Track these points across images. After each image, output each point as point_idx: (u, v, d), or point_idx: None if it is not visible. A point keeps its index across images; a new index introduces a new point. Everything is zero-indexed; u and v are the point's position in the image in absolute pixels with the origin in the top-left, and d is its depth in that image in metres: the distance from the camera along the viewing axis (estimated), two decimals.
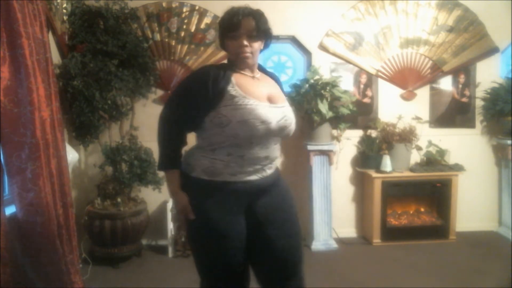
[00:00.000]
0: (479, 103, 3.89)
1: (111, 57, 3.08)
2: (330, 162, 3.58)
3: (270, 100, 1.58)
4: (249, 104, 1.49)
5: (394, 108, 3.83)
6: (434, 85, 3.92)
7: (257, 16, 1.57)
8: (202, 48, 3.65)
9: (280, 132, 1.58)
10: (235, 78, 1.55)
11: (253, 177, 1.58)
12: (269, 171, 1.63)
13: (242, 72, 1.60)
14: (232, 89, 1.51)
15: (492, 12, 3.81)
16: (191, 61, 3.65)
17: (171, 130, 1.59)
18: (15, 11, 2.08)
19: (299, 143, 3.59)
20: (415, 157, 3.82)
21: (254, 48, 1.56)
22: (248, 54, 1.55)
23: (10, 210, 2.24)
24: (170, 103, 1.62)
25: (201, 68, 1.63)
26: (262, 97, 1.56)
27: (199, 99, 1.51)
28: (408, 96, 3.87)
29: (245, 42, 1.54)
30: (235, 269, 1.62)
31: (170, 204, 3.44)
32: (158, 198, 3.62)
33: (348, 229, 3.88)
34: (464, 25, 3.81)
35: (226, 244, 1.57)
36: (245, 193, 1.58)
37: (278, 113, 1.56)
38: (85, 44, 3.09)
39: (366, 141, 3.77)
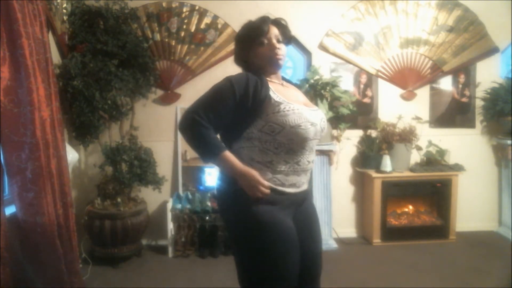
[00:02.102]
0: (479, 103, 3.89)
1: (111, 57, 3.08)
2: (330, 162, 3.57)
3: (305, 104, 1.60)
4: (296, 109, 1.48)
5: (394, 108, 3.83)
6: (434, 85, 3.93)
7: (282, 23, 1.62)
8: (202, 48, 3.65)
9: (321, 134, 1.60)
10: (270, 85, 1.55)
11: (305, 186, 1.60)
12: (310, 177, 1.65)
13: (271, 80, 1.59)
14: (275, 96, 1.49)
15: (492, 12, 3.81)
16: (191, 61, 3.65)
17: (204, 124, 1.42)
18: (15, 11, 2.08)
19: None
20: (415, 157, 3.82)
21: (284, 51, 1.60)
22: (281, 56, 1.57)
23: (10, 210, 2.24)
24: (203, 107, 1.44)
25: (240, 73, 1.53)
26: (299, 102, 1.57)
27: (234, 104, 1.45)
28: (408, 96, 3.88)
29: (277, 45, 1.56)
30: (294, 280, 1.54)
31: (170, 204, 3.44)
32: (158, 198, 3.62)
33: (348, 229, 3.88)
34: (464, 25, 3.81)
35: (294, 252, 1.50)
36: (297, 202, 1.58)
37: (317, 115, 1.58)
38: (85, 44, 3.09)
39: (366, 141, 3.77)
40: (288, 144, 1.48)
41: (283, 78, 1.72)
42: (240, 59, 1.65)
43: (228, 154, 1.45)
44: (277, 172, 1.49)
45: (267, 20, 1.58)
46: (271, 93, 1.49)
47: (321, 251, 1.70)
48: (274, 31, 1.58)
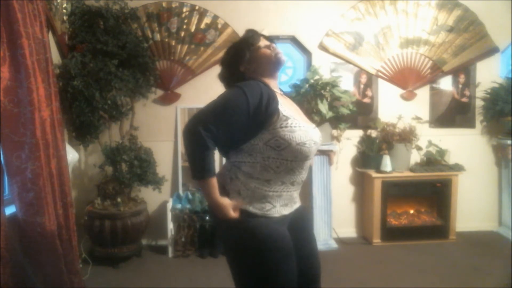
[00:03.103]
0: (479, 103, 3.89)
1: (111, 57, 3.08)
2: (330, 162, 3.58)
3: (306, 122, 1.57)
4: (302, 126, 1.46)
5: (394, 108, 3.83)
6: (434, 85, 3.93)
7: (267, 35, 1.66)
8: (202, 48, 3.65)
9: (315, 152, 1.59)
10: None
11: (297, 204, 1.60)
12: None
13: (275, 91, 1.56)
14: (283, 109, 1.45)
15: (492, 12, 3.82)
16: (191, 61, 3.65)
17: (208, 144, 1.39)
18: (15, 11, 2.08)
19: None
20: (415, 157, 3.82)
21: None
22: (281, 52, 1.59)
23: (10, 210, 2.24)
24: (211, 114, 1.40)
25: (252, 83, 1.48)
26: (302, 119, 1.55)
27: (247, 115, 1.40)
28: (408, 96, 3.88)
29: (274, 44, 1.60)
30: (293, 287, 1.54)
31: (170, 204, 3.44)
32: (158, 198, 3.62)
33: (348, 229, 3.88)
34: (464, 25, 3.81)
35: (291, 260, 1.50)
36: (290, 218, 1.57)
37: (317, 134, 1.56)
38: (85, 44, 3.09)
39: (366, 141, 3.77)
40: (291, 161, 1.46)
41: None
42: (235, 72, 1.58)
43: (213, 181, 1.43)
44: (271, 192, 1.48)
45: (255, 31, 1.61)
46: (279, 106, 1.46)
47: (318, 251, 1.68)
48: (264, 40, 1.61)
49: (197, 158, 1.42)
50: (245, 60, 1.56)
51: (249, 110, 1.40)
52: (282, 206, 1.51)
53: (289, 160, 1.45)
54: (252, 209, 1.47)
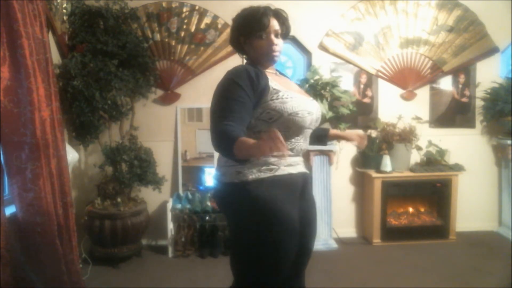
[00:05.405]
0: (479, 103, 3.89)
1: (111, 57, 3.08)
2: (330, 162, 3.57)
3: (300, 93, 1.60)
4: (294, 97, 1.49)
5: (394, 108, 3.83)
6: (434, 85, 3.93)
7: (283, 15, 1.60)
8: (202, 48, 3.65)
9: (316, 123, 1.61)
10: (268, 75, 1.55)
11: (302, 168, 1.60)
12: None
13: (267, 70, 1.60)
14: (273, 84, 1.50)
15: (492, 12, 3.82)
16: (191, 61, 3.65)
17: (235, 134, 1.32)
18: (15, 11, 2.09)
19: None
20: (415, 157, 3.82)
21: (281, 47, 1.60)
22: (277, 53, 1.58)
23: (10, 210, 2.24)
24: (225, 115, 1.39)
25: (237, 68, 1.50)
26: (296, 91, 1.58)
27: (247, 97, 1.43)
28: (408, 96, 3.88)
29: (275, 41, 1.56)
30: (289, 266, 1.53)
31: (170, 204, 3.44)
32: (158, 198, 3.62)
33: (348, 229, 3.88)
34: (464, 25, 3.81)
35: (294, 237, 1.50)
36: (299, 185, 1.56)
37: (314, 105, 1.59)
38: (85, 44, 3.09)
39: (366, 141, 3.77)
40: (284, 132, 1.46)
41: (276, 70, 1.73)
42: (237, 45, 1.64)
43: (240, 140, 1.29)
44: (269, 159, 1.47)
45: (268, 13, 1.55)
46: (269, 81, 1.50)
47: (313, 243, 1.70)
48: (274, 25, 1.56)
49: (227, 145, 1.34)
50: (242, 37, 1.59)
51: (245, 91, 1.43)
52: (286, 166, 1.51)
53: (281, 131, 1.40)
54: (253, 177, 1.45)
